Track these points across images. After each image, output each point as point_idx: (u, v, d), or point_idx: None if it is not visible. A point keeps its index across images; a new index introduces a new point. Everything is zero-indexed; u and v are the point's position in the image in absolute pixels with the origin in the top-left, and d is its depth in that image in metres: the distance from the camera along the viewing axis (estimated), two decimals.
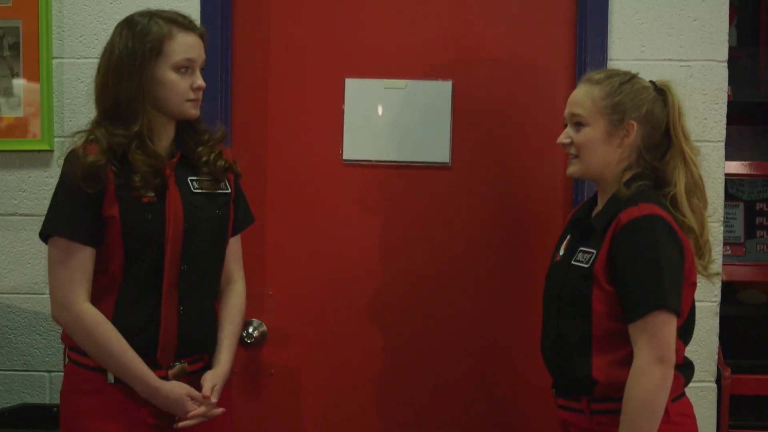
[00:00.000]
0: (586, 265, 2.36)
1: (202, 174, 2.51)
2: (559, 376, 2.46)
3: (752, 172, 3.57)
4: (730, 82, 3.09)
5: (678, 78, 2.98)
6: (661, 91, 2.45)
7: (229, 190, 2.59)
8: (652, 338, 2.25)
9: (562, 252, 2.50)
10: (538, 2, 3.08)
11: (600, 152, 2.41)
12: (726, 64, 3.01)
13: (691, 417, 2.43)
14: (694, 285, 2.39)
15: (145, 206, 2.40)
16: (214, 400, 2.44)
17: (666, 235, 2.30)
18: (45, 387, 3.14)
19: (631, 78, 2.44)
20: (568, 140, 2.44)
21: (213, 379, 2.48)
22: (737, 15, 3.80)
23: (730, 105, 3.08)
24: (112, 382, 2.40)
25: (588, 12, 3.00)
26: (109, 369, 2.39)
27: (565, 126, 2.47)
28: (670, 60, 3.00)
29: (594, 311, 2.34)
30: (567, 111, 2.46)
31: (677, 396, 2.37)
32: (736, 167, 3.52)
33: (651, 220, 2.30)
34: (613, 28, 3.01)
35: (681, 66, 3.00)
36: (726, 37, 3.00)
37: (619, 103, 2.39)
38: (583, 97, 2.42)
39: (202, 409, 2.43)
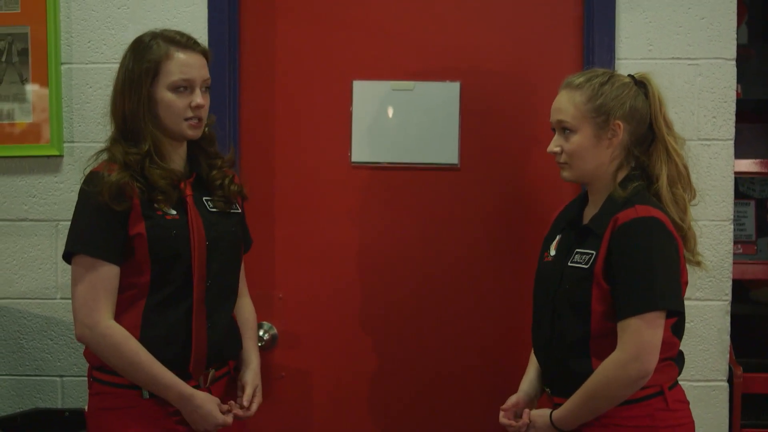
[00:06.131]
0: (585, 266, 2.39)
1: (216, 196, 2.56)
2: (557, 374, 2.48)
3: (763, 170, 3.56)
4: (741, 79, 3.08)
5: (686, 76, 2.99)
6: (641, 84, 2.47)
7: (240, 210, 2.64)
8: (636, 337, 2.30)
9: (553, 252, 2.53)
10: (545, 2, 3.08)
11: (591, 156, 2.43)
12: (734, 62, 2.99)
13: (686, 402, 2.48)
14: (685, 284, 2.44)
15: (170, 223, 2.43)
16: (254, 407, 2.57)
17: (662, 236, 2.34)
18: (57, 392, 3.15)
19: (610, 77, 2.46)
20: (558, 149, 2.47)
21: (254, 380, 2.60)
22: (747, 13, 3.78)
23: (741, 103, 3.07)
24: (147, 397, 2.42)
25: (595, 11, 2.99)
26: (140, 382, 2.40)
27: (554, 131, 2.49)
28: (678, 59, 2.99)
29: (594, 311, 2.37)
30: (552, 118, 2.48)
31: (673, 384, 2.43)
32: (747, 165, 3.51)
33: (647, 223, 2.34)
34: (621, 28, 3.00)
35: (689, 64, 2.99)
36: (734, 35, 2.99)
37: (602, 105, 2.41)
38: (566, 103, 2.44)
39: (241, 412, 2.54)
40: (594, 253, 2.38)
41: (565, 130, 2.45)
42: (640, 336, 2.29)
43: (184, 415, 2.43)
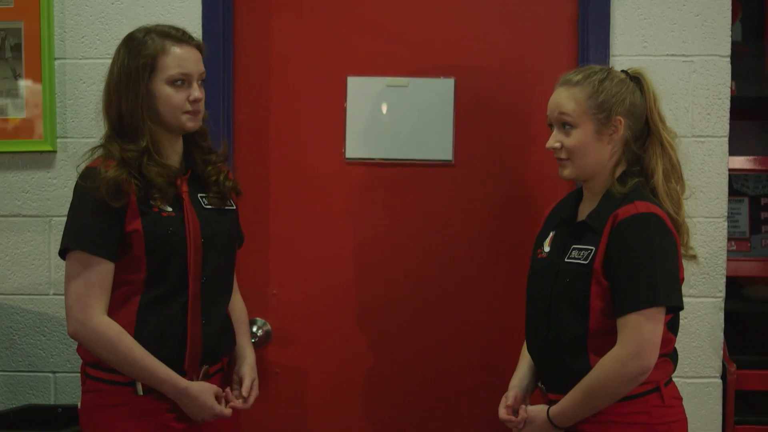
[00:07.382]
0: (584, 262, 2.38)
1: (211, 192, 2.56)
2: (553, 372, 2.47)
3: (757, 167, 3.57)
4: (735, 77, 3.08)
5: (681, 73, 2.99)
6: (636, 80, 2.48)
7: (235, 207, 2.64)
8: (637, 333, 2.30)
9: (547, 249, 2.53)
10: None
11: (592, 153, 2.43)
12: (729, 59, 2.99)
13: (680, 398, 2.49)
14: (682, 280, 2.43)
15: (166, 220, 2.42)
16: (252, 399, 2.57)
17: (661, 232, 2.34)
18: (50, 388, 3.15)
19: (608, 73, 2.46)
20: (558, 144, 2.45)
21: (251, 373, 2.61)
22: (742, 10, 3.79)
23: (735, 100, 3.07)
24: (141, 393, 2.41)
25: (590, 8, 2.99)
26: (135, 376, 2.39)
27: (551, 127, 2.48)
28: (672, 55, 2.99)
29: (592, 308, 2.36)
30: (552, 114, 2.46)
31: (668, 381, 2.44)
32: (740, 162, 3.52)
33: (647, 219, 2.34)
34: (615, 24, 3.00)
35: (684, 61, 2.99)
36: (728, 32, 2.99)
37: (604, 102, 2.41)
38: (566, 99, 2.43)
39: (239, 403, 2.54)
40: (593, 249, 2.37)
41: (565, 125, 2.43)
42: (640, 332, 2.29)
43: (182, 407, 2.43)
